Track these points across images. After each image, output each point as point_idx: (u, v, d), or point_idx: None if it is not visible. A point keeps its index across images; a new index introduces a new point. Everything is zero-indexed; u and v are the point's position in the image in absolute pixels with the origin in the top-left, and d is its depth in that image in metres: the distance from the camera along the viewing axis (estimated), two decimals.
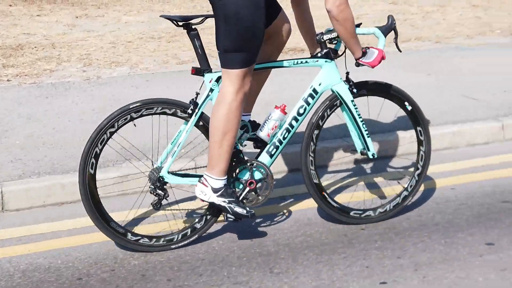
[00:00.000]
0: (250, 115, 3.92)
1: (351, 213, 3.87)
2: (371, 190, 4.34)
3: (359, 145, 3.91)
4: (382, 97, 3.91)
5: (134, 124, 3.65)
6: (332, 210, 3.83)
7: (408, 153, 4.79)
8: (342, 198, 4.08)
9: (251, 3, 3.39)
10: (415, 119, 3.94)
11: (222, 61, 3.50)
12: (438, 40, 8.02)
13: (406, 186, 3.99)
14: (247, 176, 3.68)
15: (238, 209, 3.54)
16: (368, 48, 3.70)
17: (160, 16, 3.65)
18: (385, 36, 3.71)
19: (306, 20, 3.95)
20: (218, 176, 3.53)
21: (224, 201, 3.53)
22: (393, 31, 3.72)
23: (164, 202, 3.67)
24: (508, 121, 5.28)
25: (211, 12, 3.53)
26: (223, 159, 3.51)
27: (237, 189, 3.67)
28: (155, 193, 3.61)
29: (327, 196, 3.81)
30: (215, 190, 3.53)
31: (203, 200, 3.59)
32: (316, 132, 3.76)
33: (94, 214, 3.52)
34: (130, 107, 3.56)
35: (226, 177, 3.55)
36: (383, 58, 3.68)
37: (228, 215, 3.56)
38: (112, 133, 3.55)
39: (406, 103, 3.91)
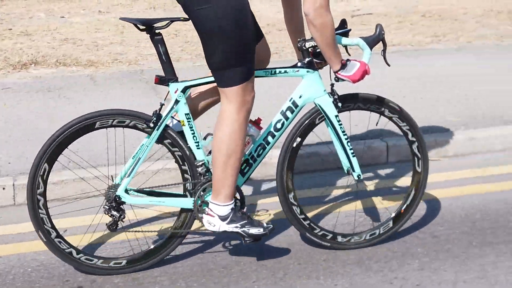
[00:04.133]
0: None
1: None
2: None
3: (346, 164, 3.52)
4: (371, 111, 3.50)
5: None
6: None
7: None
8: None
9: (233, 10, 2.99)
10: (411, 138, 3.54)
11: (216, 80, 3.14)
12: None
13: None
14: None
15: (254, 230, 3.23)
16: (349, 60, 3.28)
17: (120, 18, 3.26)
18: (371, 48, 3.29)
19: (293, 19, 3.53)
20: (224, 202, 3.19)
21: (237, 227, 3.22)
22: (381, 42, 3.31)
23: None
24: None
25: (179, 15, 3.15)
26: (228, 183, 3.17)
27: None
28: (109, 214, 3.27)
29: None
30: (223, 218, 3.21)
31: (214, 232, 3.26)
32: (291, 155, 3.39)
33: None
34: (82, 119, 3.21)
35: (232, 201, 3.22)
36: (366, 72, 3.26)
37: (246, 239, 3.24)
38: (62, 148, 3.21)
39: (399, 121, 3.51)
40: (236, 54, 3.06)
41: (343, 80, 3.28)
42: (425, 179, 3.56)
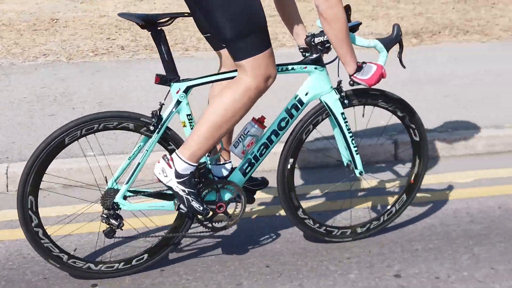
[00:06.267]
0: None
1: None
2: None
3: (345, 157, 3.41)
4: (380, 107, 3.38)
5: None
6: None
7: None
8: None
9: None
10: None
11: (231, 54, 2.91)
12: None
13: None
14: (214, 198, 3.16)
15: (195, 204, 3.02)
16: (365, 62, 3.10)
17: (119, 14, 2.96)
18: (388, 50, 3.12)
19: (287, 6, 3.31)
20: (188, 159, 2.97)
21: (183, 190, 3.00)
22: (397, 44, 3.15)
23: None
24: None
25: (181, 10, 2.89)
26: (204, 145, 2.95)
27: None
28: (107, 222, 3.07)
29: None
30: (178, 175, 2.98)
31: (159, 181, 3.02)
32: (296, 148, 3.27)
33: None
34: (79, 122, 2.95)
35: (196, 164, 3.01)
36: (382, 76, 3.10)
37: (181, 206, 3.04)
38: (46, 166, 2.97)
39: (403, 115, 3.41)
40: (247, 22, 2.83)
41: (358, 84, 3.11)
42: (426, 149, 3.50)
